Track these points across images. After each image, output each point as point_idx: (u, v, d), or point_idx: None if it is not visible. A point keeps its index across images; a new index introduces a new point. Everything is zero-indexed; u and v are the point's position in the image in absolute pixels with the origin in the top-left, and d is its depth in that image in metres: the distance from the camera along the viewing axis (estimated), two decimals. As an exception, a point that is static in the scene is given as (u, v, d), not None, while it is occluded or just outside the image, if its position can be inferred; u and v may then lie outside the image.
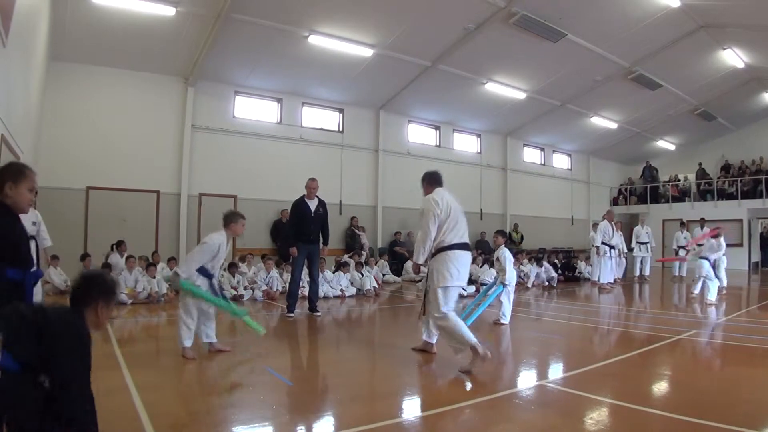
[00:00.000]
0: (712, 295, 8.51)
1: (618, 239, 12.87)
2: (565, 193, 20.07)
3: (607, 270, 11.22)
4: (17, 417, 1.75)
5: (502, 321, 6.37)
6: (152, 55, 10.67)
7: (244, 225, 4.93)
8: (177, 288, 4.57)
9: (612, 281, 11.37)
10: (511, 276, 6.50)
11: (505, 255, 6.51)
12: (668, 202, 20.32)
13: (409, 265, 12.88)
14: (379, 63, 11.96)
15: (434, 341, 4.75)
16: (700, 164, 20.16)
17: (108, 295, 2.08)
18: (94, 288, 2.06)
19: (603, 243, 11.32)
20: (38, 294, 5.83)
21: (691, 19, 11.30)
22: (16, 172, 2.45)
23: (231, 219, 4.85)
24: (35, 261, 5.90)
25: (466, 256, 4.44)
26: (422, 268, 4.62)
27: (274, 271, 9.36)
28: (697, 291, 8.91)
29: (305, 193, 7.22)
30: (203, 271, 4.56)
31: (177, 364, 4.29)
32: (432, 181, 4.71)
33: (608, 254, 11.29)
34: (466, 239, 4.44)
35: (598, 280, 11.16)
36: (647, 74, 13.78)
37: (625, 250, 13.18)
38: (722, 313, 7.60)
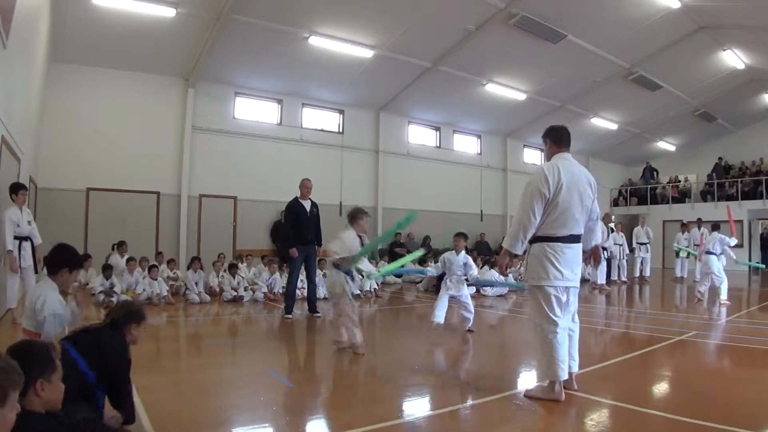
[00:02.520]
0: (723, 294, 8.36)
1: (621, 240, 12.91)
2: (565, 194, 20.04)
3: (604, 272, 11.21)
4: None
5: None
6: (152, 56, 10.69)
7: (367, 222, 5.07)
8: (377, 278, 4.75)
9: (604, 282, 11.34)
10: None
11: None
12: (668, 203, 20.30)
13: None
14: (379, 64, 11.97)
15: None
16: (720, 158, 19.92)
17: (139, 320, 2.69)
18: (130, 315, 2.68)
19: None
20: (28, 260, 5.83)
21: (691, 20, 11.31)
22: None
23: (355, 217, 5.02)
24: (32, 260, 5.93)
25: (572, 251, 3.45)
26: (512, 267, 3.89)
27: (277, 275, 9.33)
28: (704, 289, 8.65)
29: (299, 194, 7.20)
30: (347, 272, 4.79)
31: (177, 365, 4.28)
32: (558, 139, 3.64)
33: (601, 257, 11.32)
34: (576, 230, 3.48)
35: (602, 280, 11.16)
36: (647, 75, 13.79)
37: (627, 251, 13.18)
38: (723, 314, 7.59)
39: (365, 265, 4.85)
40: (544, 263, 3.39)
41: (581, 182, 3.51)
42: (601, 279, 11.11)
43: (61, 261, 2.86)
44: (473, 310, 6.01)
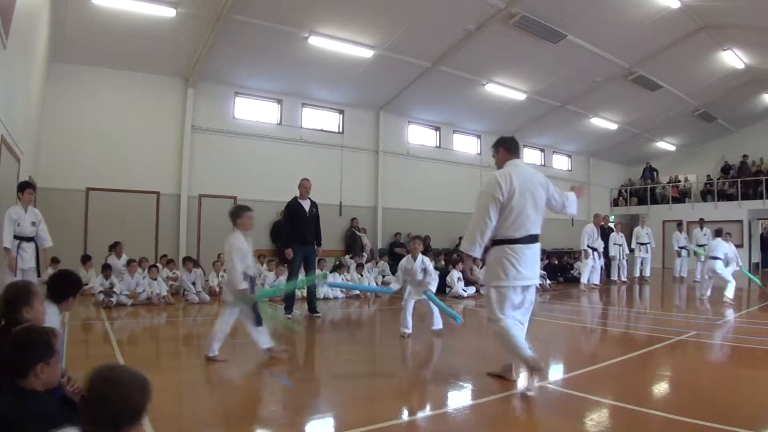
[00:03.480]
0: (730, 292, 8.40)
1: (620, 240, 12.91)
2: (565, 194, 20.04)
3: (587, 272, 11.29)
4: None
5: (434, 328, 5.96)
6: (152, 56, 10.68)
7: (251, 218, 4.77)
8: (252, 303, 4.48)
9: (595, 282, 11.38)
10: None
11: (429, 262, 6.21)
12: (668, 203, 20.31)
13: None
14: (379, 64, 11.96)
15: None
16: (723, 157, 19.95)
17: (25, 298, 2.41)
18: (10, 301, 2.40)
19: (588, 246, 11.39)
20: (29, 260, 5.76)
21: (691, 20, 11.31)
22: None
23: (237, 215, 4.73)
24: (36, 263, 5.87)
25: (530, 251, 3.66)
26: (475, 268, 4.00)
27: (282, 278, 9.27)
28: (707, 293, 8.66)
29: (298, 194, 7.18)
30: (245, 276, 4.50)
31: (177, 366, 4.28)
32: (508, 148, 3.88)
33: (592, 257, 11.34)
34: (533, 231, 3.67)
35: (588, 281, 11.24)
36: (647, 75, 13.79)
37: (627, 251, 13.17)
38: (723, 314, 7.59)
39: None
40: (504, 264, 3.59)
41: (533, 185, 3.71)
42: (584, 279, 11.19)
43: (69, 291, 2.91)
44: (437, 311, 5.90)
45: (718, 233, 9.30)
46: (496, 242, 3.67)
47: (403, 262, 6.03)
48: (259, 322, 4.49)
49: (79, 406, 1.47)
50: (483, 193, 3.68)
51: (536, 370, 3.50)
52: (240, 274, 4.41)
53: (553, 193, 3.86)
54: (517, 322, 3.68)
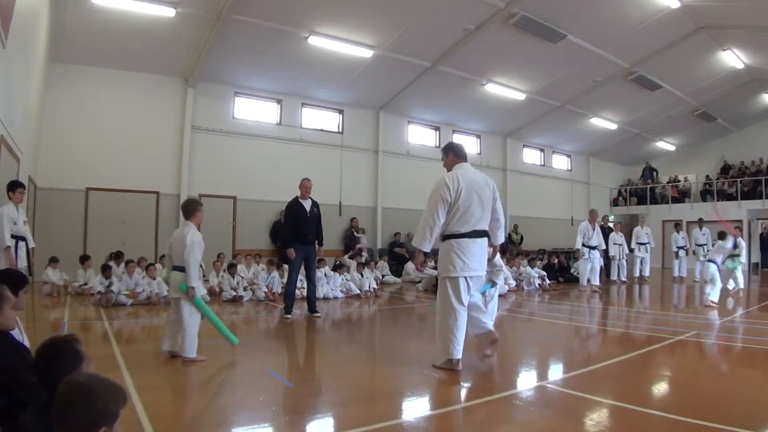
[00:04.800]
0: (714, 296, 8.39)
1: (620, 240, 12.84)
2: (564, 194, 20.08)
3: (586, 272, 10.75)
4: None
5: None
6: (152, 56, 10.69)
7: (203, 212, 4.75)
8: (196, 303, 4.46)
9: (595, 283, 10.79)
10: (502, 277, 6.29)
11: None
12: (668, 203, 20.31)
13: (410, 266, 12.87)
14: (379, 64, 11.97)
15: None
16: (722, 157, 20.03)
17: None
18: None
19: (583, 245, 10.82)
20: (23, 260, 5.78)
21: (691, 20, 11.31)
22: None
23: (192, 208, 4.67)
24: (27, 261, 5.87)
25: (476, 244, 4.02)
26: (428, 264, 4.26)
27: (275, 273, 9.35)
28: (715, 298, 8.58)
29: (299, 194, 7.18)
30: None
31: (176, 365, 4.28)
32: (456, 152, 4.25)
33: (586, 256, 10.76)
34: (479, 227, 4.04)
35: (588, 282, 10.71)
36: (647, 75, 13.80)
37: (626, 251, 13.14)
38: (722, 314, 7.60)
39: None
40: (452, 257, 3.96)
41: (479, 185, 4.09)
42: (584, 281, 10.75)
43: (14, 288, 2.53)
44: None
45: (721, 236, 9.21)
46: (445, 237, 4.05)
47: None
48: (205, 319, 4.55)
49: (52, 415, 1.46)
50: (432, 193, 4.04)
51: (446, 370, 3.90)
52: (198, 270, 4.48)
53: (497, 204, 4.27)
54: (465, 314, 4.01)
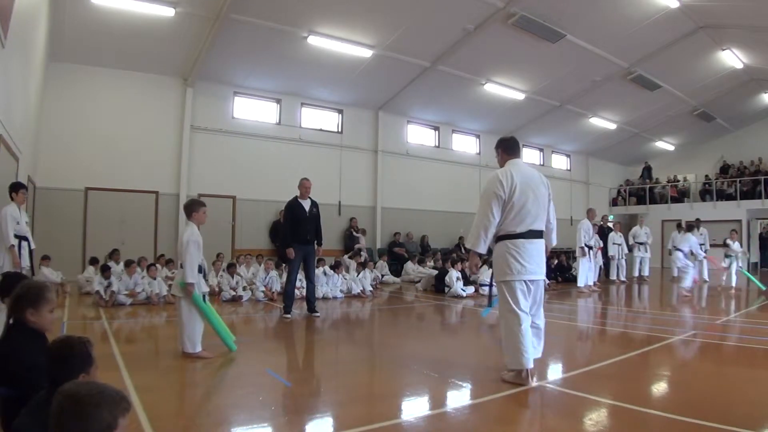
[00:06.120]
0: (685, 284, 8.63)
1: (619, 240, 12.85)
2: (564, 194, 20.08)
3: (585, 272, 10.66)
4: None
5: None
6: (151, 56, 10.68)
7: (205, 213, 4.77)
8: (195, 301, 4.47)
9: (591, 284, 10.77)
10: None
11: None
12: (667, 203, 20.33)
13: (409, 266, 12.87)
14: (378, 64, 11.97)
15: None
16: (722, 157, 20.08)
17: (33, 302, 2.29)
18: (19, 299, 2.28)
19: (585, 244, 10.78)
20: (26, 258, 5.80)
21: (690, 20, 11.32)
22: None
23: (192, 208, 4.72)
24: (29, 261, 5.88)
25: (533, 246, 3.73)
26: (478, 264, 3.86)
27: (273, 272, 9.35)
28: (687, 285, 8.83)
29: (298, 194, 7.18)
30: (198, 269, 4.56)
31: (176, 365, 4.28)
32: (507, 148, 3.97)
33: (588, 256, 10.74)
34: (536, 226, 3.77)
35: (585, 282, 10.62)
36: (646, 75, 13.81)
37: (626, 251, 13.15)
38: (721, 313, 7.61)
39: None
40: (507, 259, 3.67)
41: (534, 182, 3.82)
42: (582, 281, 10.64)
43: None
44: None
45: (689, 228, 9.54)
46: (499, 238, 3.75)
47: None
48: (202, 319, 4.52)
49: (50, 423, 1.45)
50: (485, 190, 3.76)
51: (523, 383, 3.55)
52: (195, 267, 4.47)
53: (551, 205, 4.04)
54: (530, 322, 3.71)
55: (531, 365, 3.58)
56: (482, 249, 3.74)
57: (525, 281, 3.67)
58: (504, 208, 3.69)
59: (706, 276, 13.38)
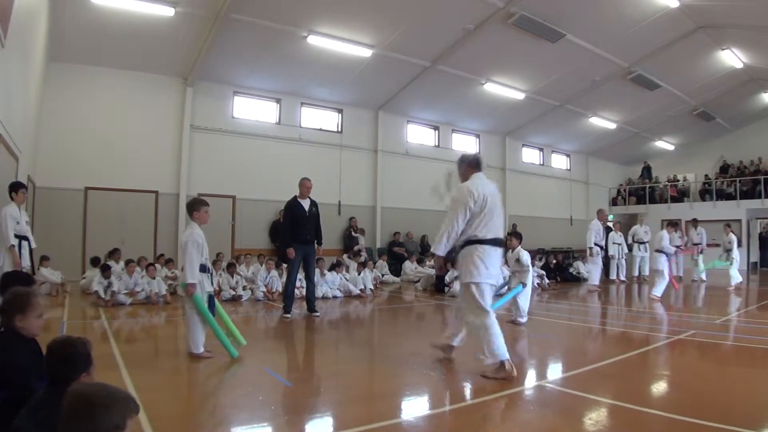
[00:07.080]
0: (658, 291, 8.65)
1: (619, 240, 12.86)
2: (564, 194, 20.09)
3: (597, 272, 10.95)
4: None
5: (520, 320, 6.35)
6: (151, 56, 10.67)
7: (207, 212, 4.74)
8: (195, 302, 4.42)
9: (597, 283, 10.99)
10: (530, 277, 6.68)
11: (526, 256, 6.61)
12: (667, 203, 20.32)
13: (409, 265, 12.87)
14: (378, 63, 11.96)
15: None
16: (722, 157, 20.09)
17: (20, 307, 2.33)
18: (7, 305, 2.34)
19: (595, 244, 10.99)
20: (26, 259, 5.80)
21: (690, 20, 11.32)
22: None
23: (194, 207, 4.71)
24: (29, 261, 5.88)
25: (496, 253, 4.03)
26: (448, 264, 4.16)
27: (274, 272, 9.35)
28: (658, 293, 8.80)
29: (297, 193, 7.17)
30: (202, 268, 4.53)
31: (176, 365, 4.28)
32: (471, 164, 4.23)
33: (596, 256, 10.94)
34: (500, 235, 4.05)
35: (597, 281, 10.85)
36: (646, 74, 13.81)
37: (626, 251, 13.16)
38: (721, 313, 7.61)
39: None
40: (476, 262, 3.90)
41: (496, 195, 4.10)
42: (595, 280, 10.89)
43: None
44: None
45: (671, 225, 9.62)
46: (468, 242, 3.97)
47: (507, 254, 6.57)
48: (204, 322, 4.44)
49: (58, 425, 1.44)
50: (456, 200, 3.99)
51: (507, 377, 3.71)
52: (196, 267, 4.43)
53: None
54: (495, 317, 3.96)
55: (508, 355, 3.80)
56: (441, 252, 4.01)
57: (488, 284, 3.97)
58: (474, 217, 3.94)
59: (680, 272, 13.50)
